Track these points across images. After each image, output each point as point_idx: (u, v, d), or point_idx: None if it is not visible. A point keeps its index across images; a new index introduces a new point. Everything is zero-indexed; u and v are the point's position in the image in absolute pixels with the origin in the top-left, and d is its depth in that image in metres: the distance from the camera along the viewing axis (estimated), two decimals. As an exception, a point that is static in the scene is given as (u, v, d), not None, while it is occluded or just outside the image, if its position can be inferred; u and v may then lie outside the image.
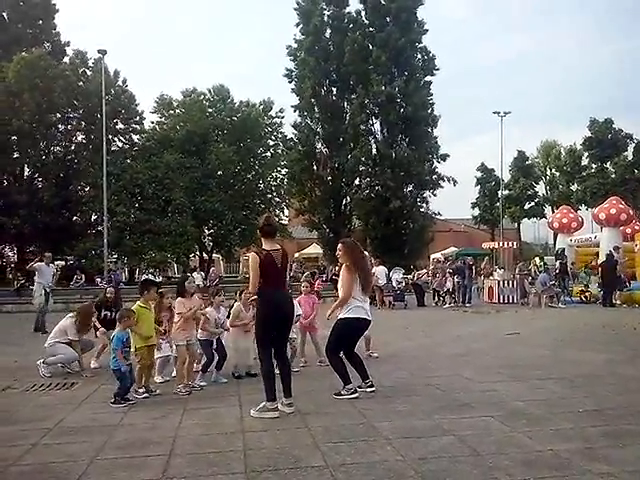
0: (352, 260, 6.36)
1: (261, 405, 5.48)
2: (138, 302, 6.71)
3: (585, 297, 19.64)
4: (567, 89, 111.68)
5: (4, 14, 36.02)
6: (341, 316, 6.27)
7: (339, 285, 6.45)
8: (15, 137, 32.35)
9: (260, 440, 4.76)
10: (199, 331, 7.08)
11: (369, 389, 6.33)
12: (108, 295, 9.32)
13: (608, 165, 50.73)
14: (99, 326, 8.64)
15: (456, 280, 19.66)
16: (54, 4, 37.17)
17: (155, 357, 6.95)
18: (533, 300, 18.77)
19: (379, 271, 19.36)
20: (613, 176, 49.46)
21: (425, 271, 22.06)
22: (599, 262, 20.09)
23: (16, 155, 33.75)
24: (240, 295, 7.59)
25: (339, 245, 6.63)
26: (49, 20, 37.20)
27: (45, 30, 37.00)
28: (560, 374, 7.25)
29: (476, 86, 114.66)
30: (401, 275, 20.88)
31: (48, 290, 13.30)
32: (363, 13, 36.77)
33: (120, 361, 6.13)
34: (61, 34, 37.71)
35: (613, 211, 22.07)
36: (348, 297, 6.21)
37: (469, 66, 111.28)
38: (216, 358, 7.24)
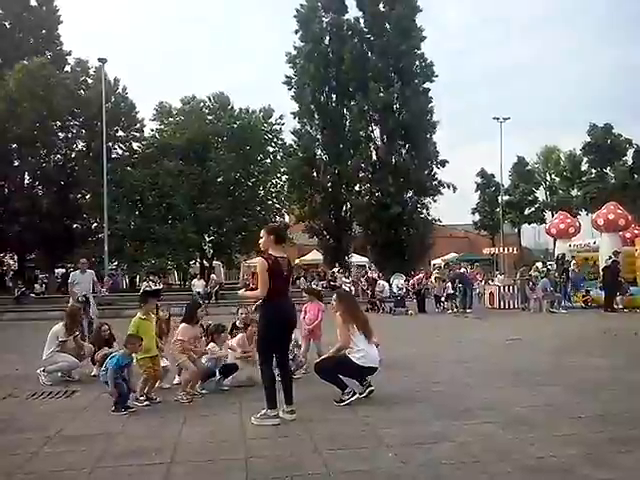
0: (345, 309, 6.51)
1: (262, 412, 5.47)
2: (138, 314, 6.66)
3: (586, 302, 19.59)
4: (566, 95, 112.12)
5: (5, 23, 36.16)
6: (352, 358, 6.28)
7: (337, 333, 6.54)
8: (16, 145, 32.48)
9: (261, 448, 4.75)
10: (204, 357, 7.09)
11: (368, 390, 6.36)
12: (103, 333, 8.35)
13: (608, 170, 50.84)
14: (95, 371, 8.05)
15: (458, 286, 19.65)
16: (59, 15, 37.38)
17: None
18: (534, 305, 18.75)
19: (382, 285, 19.80)
20: (613, 181, 49.55)
21: (422, 275, 21.99)
22: (601, 267, 20.03)
23: (17, 163, 33.86)
24: (246, 329, 7.58)
25: (333, 297, 6.92)
26: (53, 30, 37.36)
27: (48, 40, 37.16)
28: (562, 380, 7.23)
29: (476, 92, 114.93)
30: (402, 281, 20.88)
31: (82, 299, 12.11)
32: (362, 20, 36.93)
33: (110, 381, 6.08)
34: (64, 44, 37.93)
35: (611, 217, 22.04)
36: (346, 345, 6.31)
37: (469, 73, 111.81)
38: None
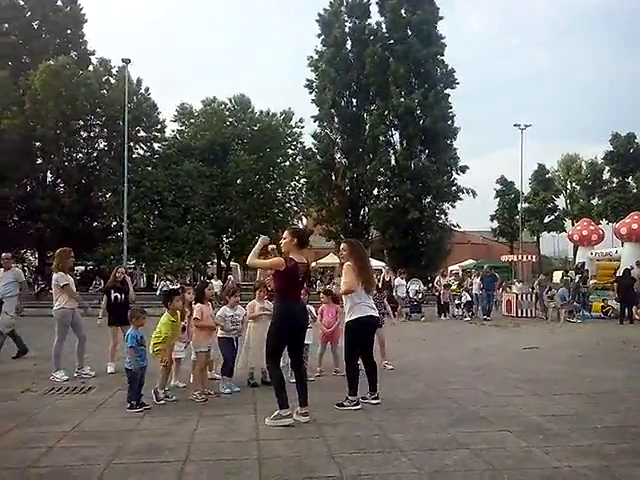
0: (355, 260, 6.28)
1: (275, 413, 5.48)
2: (166, 315, 6.65)
3: (605, 312, 19.33)
4: (589, 103, 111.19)
5: (34, 24, 36.74)
6: (347, 319, 6.26)
7: (341, 282, 6.42)
8: (39, 143, 32.94)
9: (275, 449, 4.76)
10: (218, 330, 7.12)
11: (374, 401, 6.30)
12: (118, 275, 8.85)
13: (630, 180, 50.18)
14: (101, 315, 8.58)
15: (480, 292, 19.39)
16: (83, 14, 37.93)
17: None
18: (552, 314, 18.55)
19: (398, 283, 19.24)
20: (634, 191, 48.90)
21: (437, 278, 21.74)
22: (616, 277, 19.69)
23: (40, 161, 34.36)
24: (255, 292, 7.66)
25: (342, 245, 6.59)
26: (77, 30, 37.93)
27: (73, 39, 37.79)
28: (579, 390, 7.15)
29: (497, 100, 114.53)
30: (418, 286, 20.70)
31: None
32: (384, 25, 36.95)
33: (132, 360, 6.18)
34: (88, 43, 38.52)
35: (635, 226, 21.80)
36: (350, 288, 6.14)
37: (491, 81, 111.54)
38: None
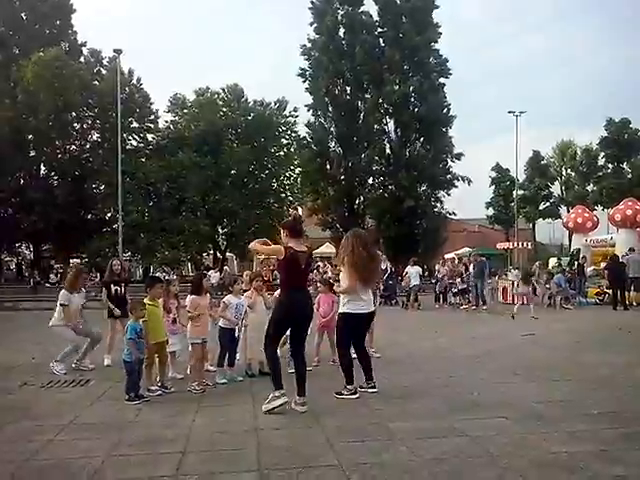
0: (353, 250, 6.14)
1: (270, 396, 5.51)
2: (146, 300, 6.74)
3: (600, 298, 19.35)
4: (584, 89, 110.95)
5: (22, 15, 36.41)
6: (341, 310, 6.31)
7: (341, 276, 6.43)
8: (32, 136, 32.76)
9: (273, 438, 4.77)
10: (220, 319, 7.12)
11: (370, 390, 6.32)
12: (115, 268, 8.75)
13: (624, 165, 50.21)
14: (112, 306, 8.50)
15: (472, 280, 19.32)
16: (71, 4, 37.63)
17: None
18: (546, 301, 18.54)
19: (412, 272, 18.97)
20: (629, 176, 48.95)
21: (438, 267, 21.67)
22: (605, 264, 19.61)
23: (33, 153, 34.17)
24: (251, 283, 7.66)
25: (345, 237, 6.50)
26: (66, 20, 37.64)
27: (62, 30, 37.50)
28: (576, 376, 7.19)
29: (492, 87, 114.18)
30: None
31: None
32: (377, 13, 36.75)
33: (133, 351, 6.17)
34: (78, 33, 38.22)
35: (629, 212, 21.81)
36: (351, 290, 6.13)
37: (485, 68, 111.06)
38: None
